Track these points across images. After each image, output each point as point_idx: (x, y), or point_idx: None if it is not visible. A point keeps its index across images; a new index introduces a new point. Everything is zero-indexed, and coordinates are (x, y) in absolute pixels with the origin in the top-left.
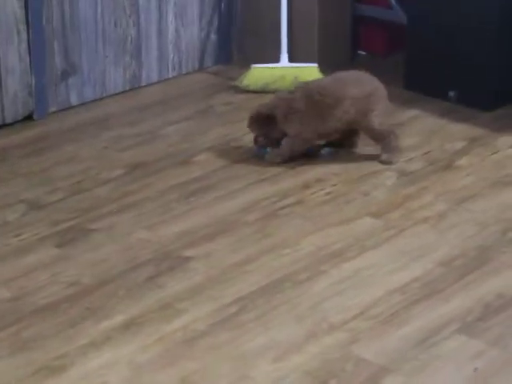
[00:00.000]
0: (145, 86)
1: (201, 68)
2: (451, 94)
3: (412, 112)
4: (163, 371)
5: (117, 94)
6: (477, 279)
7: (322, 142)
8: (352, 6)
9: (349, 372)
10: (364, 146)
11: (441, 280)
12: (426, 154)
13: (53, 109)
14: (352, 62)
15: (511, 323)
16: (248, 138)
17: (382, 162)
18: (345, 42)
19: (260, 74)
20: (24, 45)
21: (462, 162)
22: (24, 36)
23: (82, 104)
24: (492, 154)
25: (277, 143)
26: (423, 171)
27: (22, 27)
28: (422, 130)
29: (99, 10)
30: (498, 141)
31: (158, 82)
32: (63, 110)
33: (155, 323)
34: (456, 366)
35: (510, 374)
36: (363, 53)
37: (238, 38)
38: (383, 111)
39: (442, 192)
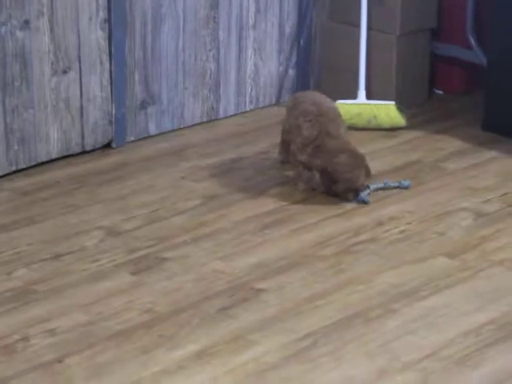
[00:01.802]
0: (222, 118)
1: (278, 102)
2: None
3: (489, 153)
4: None
5: (194, 126)
6: None
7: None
8: (430, 45)
9: None
10: (441, 187)
11: None
12: (503, 195)
13: (131, 138)
14: (429, 101)
15: None
16: None
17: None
18: (422, 81)
19: None
20: (106, 74)
21: None
22: (106, 66)
23: (160, 134)
24: None
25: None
26: (500, 213)
27: (105, 57)
28: (500, 171)
29: (180, 43)
30: None
31: (235, 115)
32: (141, 139)
33: (227, 354)
34: None
35: None
36: (440, 92)
37: (315, 73)
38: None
39: None
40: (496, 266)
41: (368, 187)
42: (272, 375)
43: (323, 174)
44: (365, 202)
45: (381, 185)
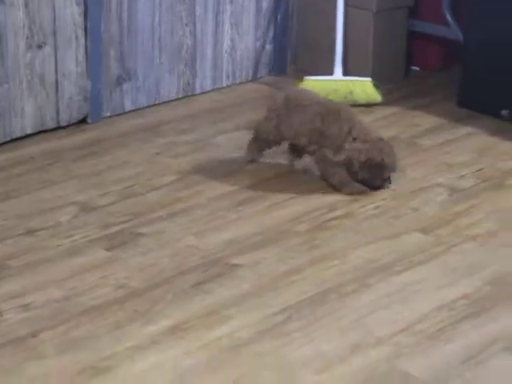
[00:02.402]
0: (198, 94)
1: (255, 78)
2: (504, 112)
3: (465, 129)
4: (207, 377)
5: (170, 102)
6: None
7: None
8: (407, 22)
9: None
10: (417, 163)
11: (489, 298)
12: (477, 171)
13: (107, 113)
14: (405, 78)
15: None
16: None
17: None
18: (399, 58)
19: (313, 86)
20: (81, 50)
21: None
22: (82, 41)
23: (136, 110)
24: None
25: None
26: (474, 189)
27: (81, 32)
28: (475, 147)
29: (157, 18)
30: None
31: (211, 91)
32: (117, 115)
33: (201, 329)
34: None
35: None
36: (417, 68)
37: (292, 49)
38: None
39: (493, 210)
40: (469, 241)
41: None
42: (246, 350)
43: (371, 166)
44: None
45: None
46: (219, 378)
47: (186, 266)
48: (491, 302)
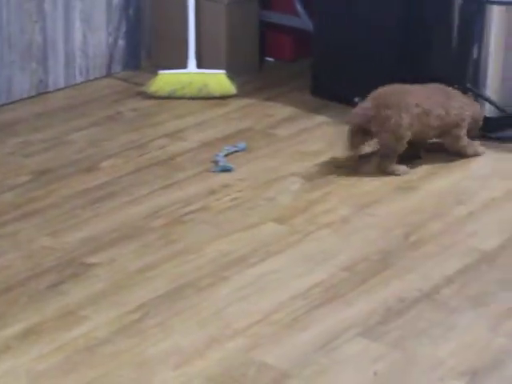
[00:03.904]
0: (52, 91)
1: (109, 74)
2: (356, 99)
3: (318, 118)
4: (62, 380)
5: (23, 100)
6: (379, 283)
7: None
8: (260, 13)
9: (250, 377)
10: (272, 153)
11: (343, 284)
12: (331, 159)
13: None
14: (260, 69)
15: (411, 326)
16: (155, 144)
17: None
18: (252, 49)
19: (168, 80)
20: None
21: (367, 167)
22: None
23: None
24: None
25: None
26: (328, 177)
27: None
28: (328, 135)
29: (4, 16)
30: None
31: (64, 88)
32: None
33: (56, 331)
34: (356, 370)
35: (409, 376)
36: (271, 59)
37: (146, 43)
38: None
39: (346, 197)
40: (323, 228)
41: (218, 155)
42: (102, 350)
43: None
44: (229, 169)
45: (225, 152)
46: (73, 379)
47: (41, 267)
48: (346, 288)
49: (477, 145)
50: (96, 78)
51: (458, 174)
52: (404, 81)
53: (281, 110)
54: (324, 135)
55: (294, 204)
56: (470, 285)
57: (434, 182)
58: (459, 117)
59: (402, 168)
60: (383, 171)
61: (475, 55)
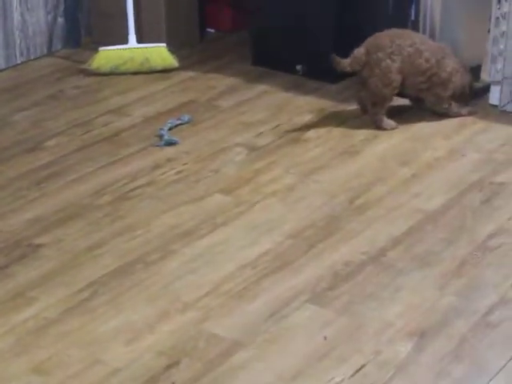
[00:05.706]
0: None
1: (49, 53)
2: (298, 67)
3: (260, 87)
4: (14, 361)
5: None
6: (325, 249)
7: None
8: None
9: (201, 349)
10: (215, 125)
11: (290, 252)
12: (275, 128)
13: None
14: (201, 41)
15: (358, 291)
16: (99, 121)
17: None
18: (192, 21)
19: (109, 56)
20: None
21: (310, 134)
22: None
23: None
24: (338, 126)
25: None
26: (272, 145)
27: None
28: (271, 104)
29: None
30: (344, 112)
31: (5, 69)
32: None
33: (5, 313)
34: (306, 336)
35: (358, 340)
36: (212, 30)
37: (85, 20)
38: None
39: (291, 165)
40: (269, 197)
41: (163, 129)
42: (52, 330)
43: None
44: (174, 143)
45: (169, 125)
46: (25, 361)
47: None
48: (293, 256)
49: (463, 107)
50: (37, 58)
51: (400, 135)
52: (344, 44)
53: (223, 82)
54: (267, 104)
55: (240, 174)
56: (416, 246)
57: (377, 144)
58: (447, 77)
59: (390, 122)
60: (373, 123)
61: (413, 17)
